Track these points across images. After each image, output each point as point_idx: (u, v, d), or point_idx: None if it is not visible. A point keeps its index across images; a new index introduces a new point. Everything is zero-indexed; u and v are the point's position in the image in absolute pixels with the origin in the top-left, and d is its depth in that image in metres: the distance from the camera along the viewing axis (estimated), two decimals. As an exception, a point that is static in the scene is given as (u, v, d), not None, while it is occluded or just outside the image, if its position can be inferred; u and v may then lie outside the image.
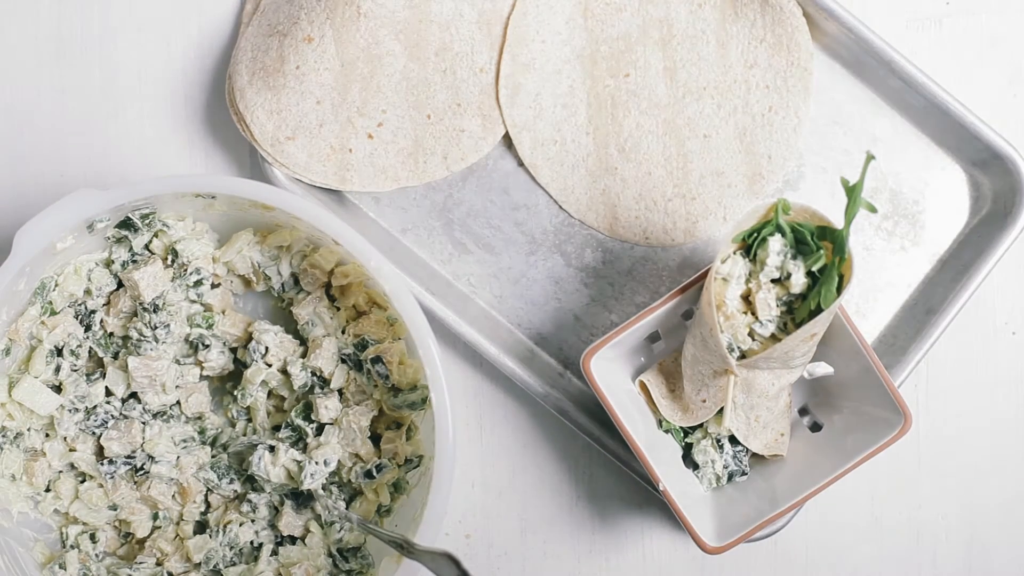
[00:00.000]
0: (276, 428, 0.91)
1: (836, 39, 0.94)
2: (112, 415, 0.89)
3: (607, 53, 0.94)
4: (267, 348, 0.89)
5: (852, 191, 0.80)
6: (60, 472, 0.90)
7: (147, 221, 0.88)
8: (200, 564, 0.89)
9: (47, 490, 0.90)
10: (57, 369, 0.88)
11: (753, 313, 0.86)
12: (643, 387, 0.92)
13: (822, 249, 0.84)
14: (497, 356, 0.92)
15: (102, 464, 0.89)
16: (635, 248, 0.95)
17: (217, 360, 0.90)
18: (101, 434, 0.89)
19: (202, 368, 0.91)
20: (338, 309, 0.91)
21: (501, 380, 0.95)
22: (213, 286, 0.91)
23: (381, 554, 0.88)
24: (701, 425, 0.91)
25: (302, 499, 0.90)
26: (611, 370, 0.89)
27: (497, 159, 0.95)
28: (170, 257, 0.89)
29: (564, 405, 0.93)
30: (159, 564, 0.89)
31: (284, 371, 0.90)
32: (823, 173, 0.96)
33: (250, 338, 0.90)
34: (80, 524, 0.90)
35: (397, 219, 0.95)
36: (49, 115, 0.95)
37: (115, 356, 0.90)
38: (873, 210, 0.81)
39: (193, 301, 0.90)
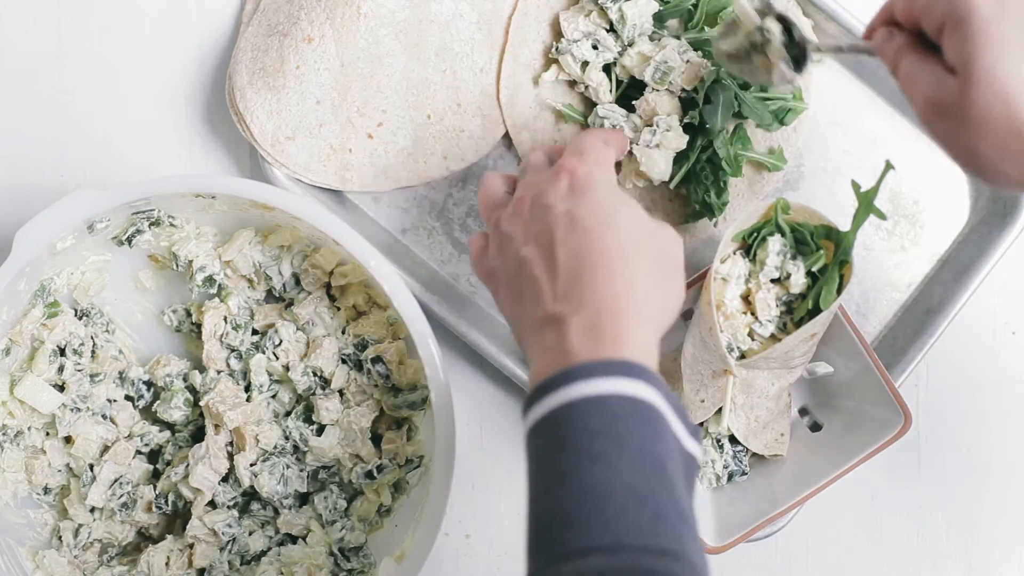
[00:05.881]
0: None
1: (836, 39, 0.94)
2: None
3: (607, 53, 0.94)
4: (281, 340, 0.89)
5: (865, 197, 0.80)
6: (59, 471, 0.90)
7: (152, 221, 0.88)
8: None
9: (46, 490, 0.90)
10: (60, 369, 0.88)
11: (753, 313, 0.87)
12: (643, 387, 0.92)
13: (822, 249, 0.84)
14: (497, 356, 0.92)
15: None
16: (635, 248, 0.95)
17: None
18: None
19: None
20: (338, 309, 0.91)
21: (501, 380, 0.95)
22: (221, 287, 0.90)
23: (382, 554, 0.88)
24: (701, 425, 0.91)
25: (303, 498, 0.90)
26: (611, 370, 0.89)
27: (497, 159, 0.95)
28: (174, 262, 0.89)
29: (564, 405, 0.93)
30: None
31: (287, 368, 0.90)
32: (823, 173, 0.96)
33: (267, 329, 0.90)
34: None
35: (397, 219, 0.95)
36: (49, 115, 0.95)
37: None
38: (883, 217, 0.82)
39: (211, 296, 0.90)
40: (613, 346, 0.63)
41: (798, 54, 0.75)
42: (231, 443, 0.88)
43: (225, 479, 0.88)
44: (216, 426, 0.88)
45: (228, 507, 0.88)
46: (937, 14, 0.62)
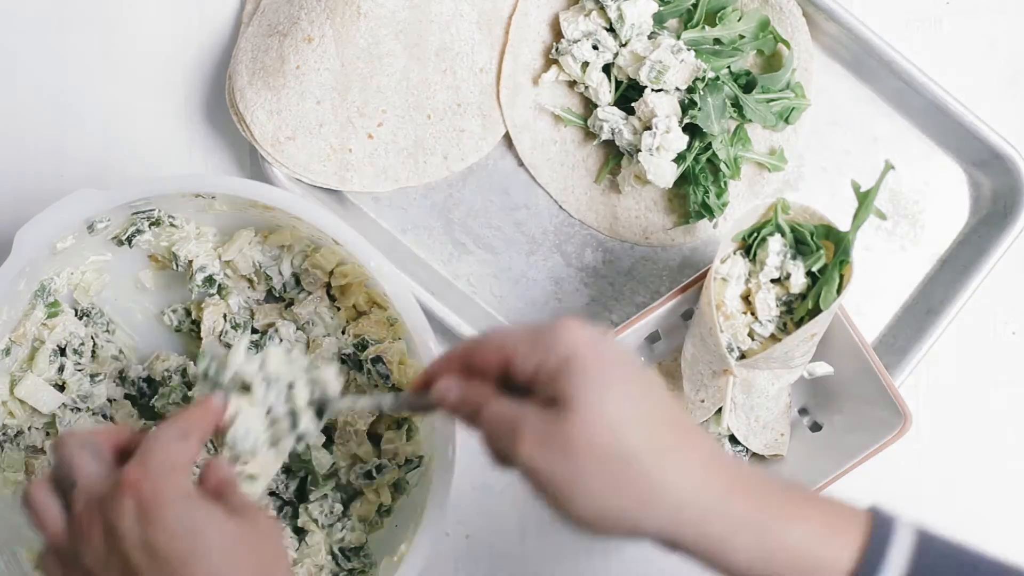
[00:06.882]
0: None
1: (836, 39, 0.94)
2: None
3: (607, 53, 0.94)
4: (281, 339, 0.89)
5: (865, 197, 0.80)
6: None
7: (152, 221, 0.88)
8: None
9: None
10: (61, 368, 0.88)
11: (753, 313, 0.87)
12: (643, 387, 0.92)
13: (822, 249, 0.84)
14: (497, 356, 0.92)
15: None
16: (635, 248, 0.95)
17: None
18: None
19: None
20: (338, 309, 0.91)
21: (501, 380, 0.95)
22: (221, 287, 0.90)
23: (382, 554, 0.88)
24: (701, 425, 0.91)
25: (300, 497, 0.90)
26: (611, 370, 0.89)
27: (497, 159, 0.95)
28: (174, 262, 0.89)
29: (564, 405, 0.93)
30: None
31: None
32: (823, 173, 0.96)
33: (267, 329, 0.90)
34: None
35: (397, 219, 0.95)
36: (49, 115, 0.95)
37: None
38: (883, 216, 0.82)
39: (211, 295, 0.90)
40: None
41: (319, 409, 0.73)
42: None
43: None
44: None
45: None
46: (534, 358, 0.63)
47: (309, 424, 0.72)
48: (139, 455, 0.63)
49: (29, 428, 0.89)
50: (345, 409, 0.76)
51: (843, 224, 0.84)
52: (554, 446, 0.61)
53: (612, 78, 0.92)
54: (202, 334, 0.89)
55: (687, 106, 0.90)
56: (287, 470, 0.90)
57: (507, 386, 0.65)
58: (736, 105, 0.91)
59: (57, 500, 0.64)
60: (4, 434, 0.87)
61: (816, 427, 0.92)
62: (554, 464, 0.61)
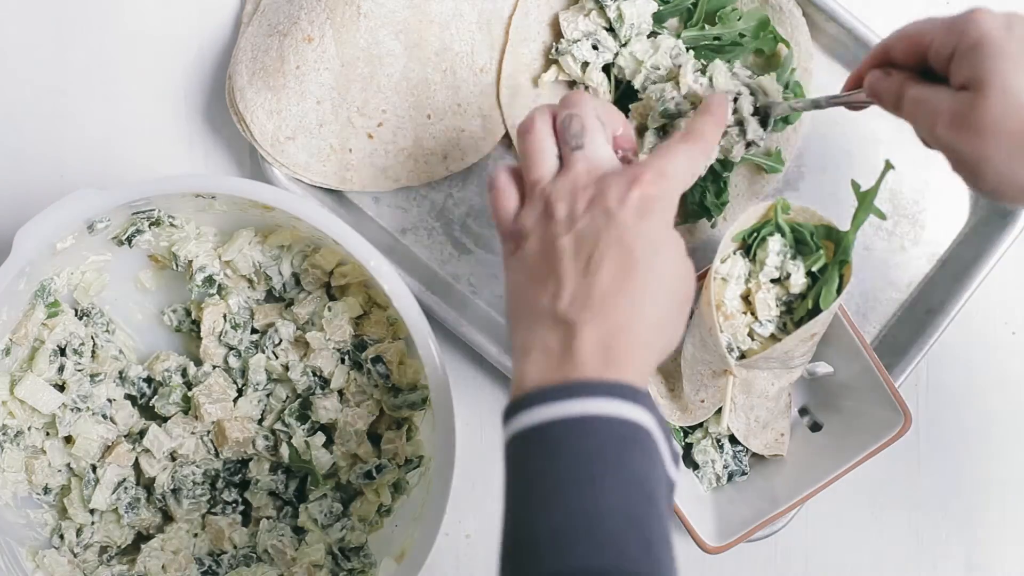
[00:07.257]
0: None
1: (836, 39, 0.94)
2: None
3: (607, 53, 0.94)
4: (280, 340, 0.89)
5: (864, 197, 0.80)
6: (59, 471, 0.90)
7: (152, 221, 0.88)
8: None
9: (46, 490, 0.90)
10: (61, 368, 0.88)
11: (753, 313, 0.87)
12: (643, 387, 0.92)
13: (822, 249, 0.84)
14: (497, 356, 0.92)
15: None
16: (635, 248, 0.95)
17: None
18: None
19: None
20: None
21: (501, 380, 0.95)
22: (221, 287, 0.90)
23: (382, 554, 0.88)
24: (701, 425, 0.91)
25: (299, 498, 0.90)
26: (611, 370, 0.89)
27: (497, 159, 0.95)
28: (174, 262, 0.89)
29: (564, 405, 0.93)
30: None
31: (286, 367, 0.90)
32: (823, 173, 0.96)
33: (267, 328, 0.90)
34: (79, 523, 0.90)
35: (397, 219, 0.95)
36: (49, 115, 0.95)
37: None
38: (883, 216, 0.82)
39: (211, 295, 0.90)
40: (619, 368, 0.64)
41: (763, 116, 0.84)
42: (208, 433, 0.89)
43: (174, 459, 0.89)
44: (196, 416, 0.89)
45: (232, 511, 0.89)
46: (948, 44, 0.68)
47: (756, 130, 0.83)
48: (657, 166, 0.69)
49: (29, 428, 0.89)
50: (784, 111, 0.85)
51: (843, 224, 0.84)
52: (965, 126, 0.67)
53: (612, 78, 0.92)
54: (202, 334, 0.89)
55: None
56: (287, 470, 0.90)
57: (928, 77, 0.71)
58: None
59: (553, 147, 0.71)
60: (4, 434, 0.87)
61: (816, 427, 0.92)
62: (965, 143, 0.67)
